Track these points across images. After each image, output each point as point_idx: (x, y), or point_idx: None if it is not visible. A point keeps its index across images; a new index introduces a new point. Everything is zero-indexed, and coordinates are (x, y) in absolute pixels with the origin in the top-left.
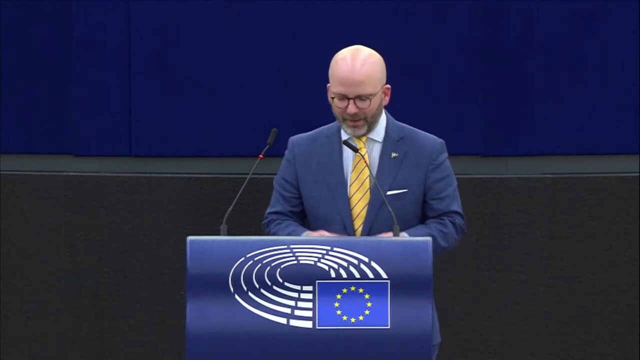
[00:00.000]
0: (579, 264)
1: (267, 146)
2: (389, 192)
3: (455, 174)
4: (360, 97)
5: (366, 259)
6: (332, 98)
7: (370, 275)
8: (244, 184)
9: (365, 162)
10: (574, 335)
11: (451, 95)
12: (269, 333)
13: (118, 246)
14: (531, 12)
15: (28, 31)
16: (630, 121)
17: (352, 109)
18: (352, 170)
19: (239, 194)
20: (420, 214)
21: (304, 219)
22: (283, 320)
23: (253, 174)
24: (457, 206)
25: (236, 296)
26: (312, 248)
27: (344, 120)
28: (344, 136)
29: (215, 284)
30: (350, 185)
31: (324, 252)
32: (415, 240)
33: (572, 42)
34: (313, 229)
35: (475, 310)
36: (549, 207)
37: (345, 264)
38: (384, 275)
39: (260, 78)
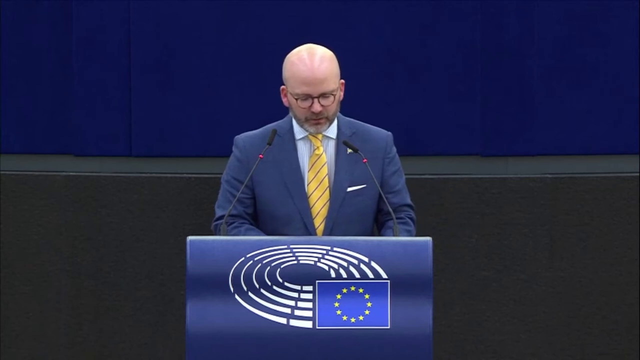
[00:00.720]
0: (579, 264)
1: (267, 146)
2: (349, 189)
3: (455, 174)
4: (324, 95)
5: (366, 259)
6: (296, 99)
7: (370, 275)
8: (244, 184)
9: (364, 161)
10: (574, 335)
11: (451, 95)
12: (269, 333)
13: (118, 246)
14: (531, 12)
15: (28, 31)
16: (630, 121)
17: (317, 107)
18: (310, 169)
19: (239, 193)
20: (376, 208)
21: (256, 219)
22: (283, 320)
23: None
24: (409, 198)
25: (236, 296)
26: (312, 248)
27: (307, 120)
28: (298, 134)
29: (215, 284)
30: (308, 184)
31: (324, 252)
32: (415, 240)
33: (572, 42)
34: (269, 229)
35: (475, 310)
36: (549, 207)
37: (345, 264)
38: (384, 275)
39: (260, 78)
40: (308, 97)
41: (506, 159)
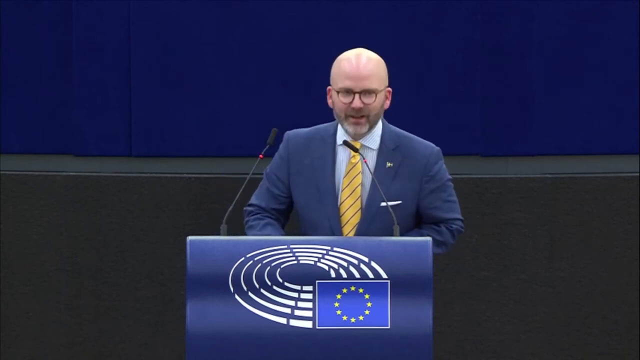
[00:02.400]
0: (579, 264)
1: (267, 146)
2: (383, 204)
3: (455, 174)
4: (366, 91)
5: (366, 259)
6: (337, 93)
7: (370, 275)
8: (244, 184)
9: (366, 165)
10: (574, 335)
11: (451, 95)
12: (269, 333)
13: (118, 246)
14: (531, 12)
15: (28, 31)
16: (630, 121)
17: (357, 103)
18: (345, 176)
19: (239, 194)
20: (413, 225)
21: (287, 216)
22: (283, 320)
23: (253, 174)
24: (455, 212)
25: (236, 296)
26: (312, 248)
27: (347, 117)
28: (340, 138)
29: (215, 284)
30: (342, 191)
31: (324, 252)
32: (415, 240)
33: (572, 42)
34: (302, 230)
35: (475, 310)
36: (549, 207)
37: (345, 264)
38: (384, 275)
39: (260, 78)
40: (350, 91)
41: (506, 159)
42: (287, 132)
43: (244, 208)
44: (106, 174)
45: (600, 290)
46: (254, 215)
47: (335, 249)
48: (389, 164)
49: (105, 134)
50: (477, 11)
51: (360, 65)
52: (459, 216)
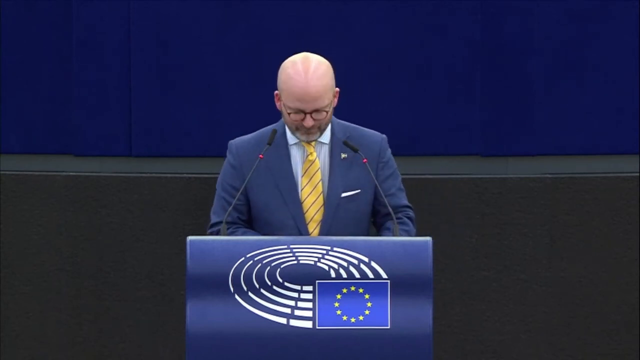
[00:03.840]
0: (579, 264)
1: (267, 146)
2: (344, 194)
3: (455, 174)
4: (317, 111)
5: (366, 259)
6: (289, 113)
7: (370, 275)
8: (244, 184)
9: (365, 161)
10: (574, 335)
11: (451, 95)
12: (269, 333)
13: (118, 246)
14: (531, 12)
15: (28, 31)
16: (630, 121)
17: (309, 122)
18: (303, 175)
19: (239, 194)
20: (371, 212)
21: (251, 225)
22: (283, 320)
23: (253, 173)
24: (406, 199)
25: (236, 296)
26: (312, 248)
27: (297, 129)
28: (292, 139)
29: (215, 284)
30: (302, 190)
31: (324, 252)
32: (415, 240)
33: (572, 42)
34: (265, 233)
35: (475, 310)
36: (549, 207)
37: (345, 264)
38: (384, 275)
39: (260, 78)
40: (300, 111)
41: (506, 159)
42: (230, 141)
43: (208, 231)
44: (106, 174)
45: (600, 290)
46: (223, 233)
47: (335, 249)
48: (343, 155)
49: (105, 134)
50: (477, 11)
51: (309, 85)
52: (409, 203)
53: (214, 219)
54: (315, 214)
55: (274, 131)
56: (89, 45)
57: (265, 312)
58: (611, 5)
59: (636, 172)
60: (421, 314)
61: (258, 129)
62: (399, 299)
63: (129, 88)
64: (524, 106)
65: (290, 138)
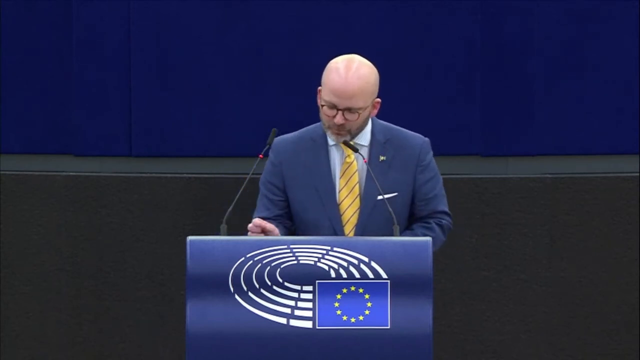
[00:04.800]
0: (579, 264)
1: (267, 146)
2: (380, 197)
3: (455, 174)
4: (349, 110)
5: (366, 259)
6: (322, 105)
7: (370, 275)
8: (244, 184)
9: (365, 163)
10: (574, 335)
11: (451, 95)
12: (269, 333)
13: (118, 246)
14: (531, 12)
15: (28, 31)
16: (630, 121)
17: (339, 119)
18: (341, 177)
19: (238, 194)
20: (409, 215)
21: (291, 221)
22: (283, 320)
23: (253, 173)
24: (444, 205)
25: (236, 296)
26: (312, 248)
27: (329, 127)
28: (332, 140)
29: (215, 284)
30: (340, 191)
31: (324, 252)
32: (415, 240)
33: (572, 42)
34: (301, 233)
35: (475, 310)
36: (549, 207)
37: (345, 264)
38: (384, 275)
39: (260, 78)
40: (334, 107)
41: (506, 159)
42: (274, 139)
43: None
44: (106, 174)
45: (600, 290)
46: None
47: (335, 249)
48: (381, 158)
49: (105, 134)
50: (477, 11)
51: (347, 81)
52: (448, 211)
53: (256, 214)
54: (351, 216)
55: (274, 131)
56: (89, 45)
57: (265, 312)
58: (611, 5)
59: (636, 172)
60: (421, 314)
61: (258, 128)
62: (399, 299)
63: (129, 88)
64: (524, 106)
65: (331, 139)
